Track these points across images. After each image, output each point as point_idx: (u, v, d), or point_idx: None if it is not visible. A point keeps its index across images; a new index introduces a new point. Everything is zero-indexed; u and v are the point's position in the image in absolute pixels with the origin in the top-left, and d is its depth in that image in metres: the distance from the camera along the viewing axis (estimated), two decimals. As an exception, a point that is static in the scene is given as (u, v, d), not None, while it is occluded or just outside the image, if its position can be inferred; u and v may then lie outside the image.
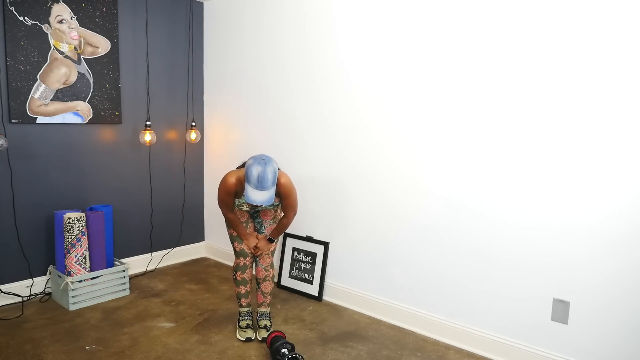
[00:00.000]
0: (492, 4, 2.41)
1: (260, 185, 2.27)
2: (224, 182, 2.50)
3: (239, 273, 2.72)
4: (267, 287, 2.77)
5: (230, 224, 2.67)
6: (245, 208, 2.65)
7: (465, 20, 2.52)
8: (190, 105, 4.01)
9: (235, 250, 2.72)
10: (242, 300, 2.77)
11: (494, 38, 2.42)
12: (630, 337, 2.13)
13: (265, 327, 2.72)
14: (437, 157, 2.69)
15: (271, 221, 2.73)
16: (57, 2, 3.12)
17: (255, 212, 2.73)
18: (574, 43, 2.18)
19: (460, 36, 2.54)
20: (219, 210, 4.07)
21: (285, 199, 2.55)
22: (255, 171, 2.26)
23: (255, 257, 2.74)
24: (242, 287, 2.74)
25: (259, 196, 2.28)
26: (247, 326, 2.72)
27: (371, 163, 2.99)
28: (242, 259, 2.70)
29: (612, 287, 2.16)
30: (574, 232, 2.25)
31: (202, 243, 4.26)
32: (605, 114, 2.12)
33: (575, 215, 2.24)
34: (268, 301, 2.81)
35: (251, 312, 2.80)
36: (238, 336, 2.69)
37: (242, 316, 2.77)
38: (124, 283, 3.28)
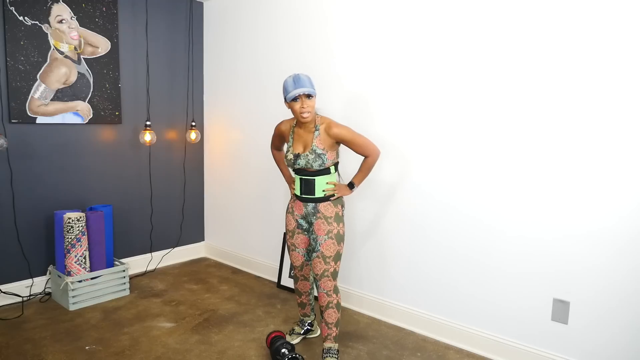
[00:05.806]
0: (493, 8, 2.41)
1: (298, 83, 2.18)
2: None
3: (295, 283, 2.63)
4: (331, 316, 2.34)
5: (276, 161, 2.71)
6: (287, 163, 2.39)
7: (466, 24, 2.51)
8: (190, 105, 4.01)
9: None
10: (300, 310, 2.69)
11: (494, 42, 2.42)
12: (630, 337, 2.13)
13: None
14: (438, 158, 2.69)
15: (326, 237, 2.32)
16: (57, 2, 3.12)
17: (304, 180, 2.35)
18: (575, 49, 2.18)
19: (461, 40, 2.54)
20: (219, 210, 4.09)
21: (349, 142, 2.30)
22: (288, 78, 2.23)
23: (315, 279, 2.42)
24: (298, 297, 2.65)
25: (299, 87, 2.18)
26: (292, 331, 2.68)
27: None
28: (296, 270, 2.57)
29: (612, 287, 2.16)
30: (574, 231, 2.25)
31: (202, 243, 4.26)
32: (607, 119, 2.12)
33: (575, 215, 2.24)
34: (334, 334, 2.36)
35: (304, 321, 2.69)
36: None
37: (296, 321, 2.73)
38: (124, 283, 3.28)
